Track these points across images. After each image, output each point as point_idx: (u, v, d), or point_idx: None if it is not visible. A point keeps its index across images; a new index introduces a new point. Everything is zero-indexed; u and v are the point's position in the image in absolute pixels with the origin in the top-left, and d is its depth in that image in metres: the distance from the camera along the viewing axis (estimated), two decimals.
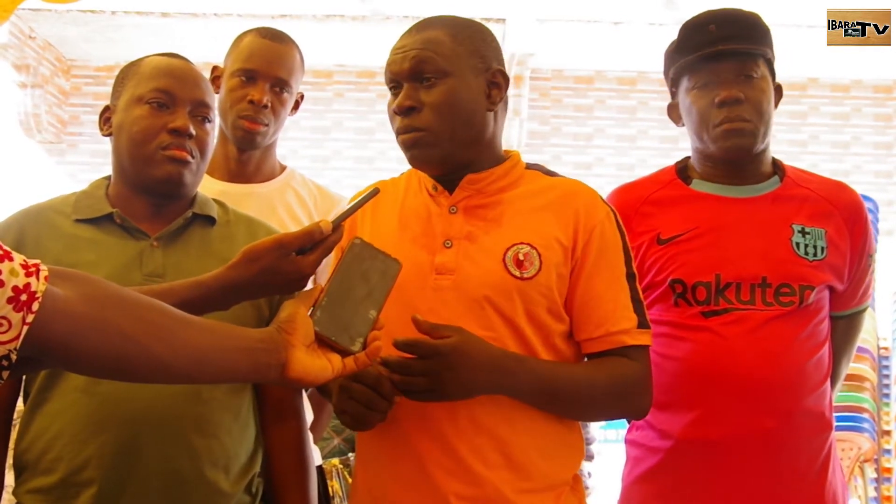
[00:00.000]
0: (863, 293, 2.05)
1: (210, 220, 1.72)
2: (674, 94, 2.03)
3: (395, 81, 1.63)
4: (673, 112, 2.05)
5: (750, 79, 1.91)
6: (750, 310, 1.86)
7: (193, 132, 1.65)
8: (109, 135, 1.71)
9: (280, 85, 2.22)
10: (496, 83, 1.66)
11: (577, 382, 1.59)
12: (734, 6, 1.97)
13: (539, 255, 1.58)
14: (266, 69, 2.20)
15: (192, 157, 1.65)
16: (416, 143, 1.60)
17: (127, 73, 1.72)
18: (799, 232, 1.91)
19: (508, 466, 1.55)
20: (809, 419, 1.88)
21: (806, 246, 1.90)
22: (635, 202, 1.99)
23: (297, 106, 2.35)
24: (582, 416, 1.74)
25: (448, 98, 1.59)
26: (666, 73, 2.04)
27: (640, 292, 1.66)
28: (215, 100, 1.77)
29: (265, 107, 2.18)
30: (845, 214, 1.96)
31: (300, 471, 1.73)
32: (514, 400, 1.55)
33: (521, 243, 1.59)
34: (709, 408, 1.85)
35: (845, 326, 2.06)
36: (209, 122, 1.70)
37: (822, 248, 1.91)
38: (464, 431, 1.54)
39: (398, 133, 1.62)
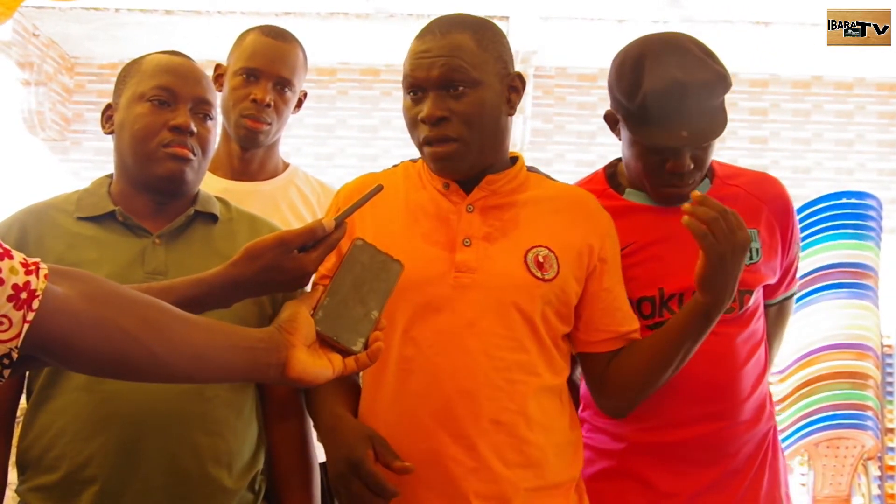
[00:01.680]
0: (790, 280, 2.05)
1: (212, 218, 1.72)
2: (615, 113, 1.88)
3: (420, 88, 1.60)
4: (610, 121, 1.91)
5: (704, 150, 1.83)
6: None
7: (195, 129, 1.65)
8: (111, 132, 1.72)
9: (283, 84, 2.22)
10: (515, 87, 1.67)
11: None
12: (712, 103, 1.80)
13: (556, 259, 1.61)
14: (269, 68, 2.20)
15: (194, 155, 1.66)
16: (449, 156, 1.60)
17: (128, 72, 1.72)
18: None
19: (524, 464, 1.57)
20: (753, 413, 1.91)
21: None
22: None
23: (300, 104, 2.34)
24: (666, 375, 1.72)
25: (478, 108, 1.59)
26: (615, 104, 1.86)
27: None
28: (217, 97, 1.77)
29: (268, 105, 2.18)
30: (773, 208, 1.95)
31: (303, 468, 1.73)
32: (530, 396, 1.58)
33: (540, 246, 1.61)
34: (661, 416, 1.86)
35: (776, 313, 2.07)
36: (211, 119, 1.70)
37: (757, 251, 1.91)
38: (484, 428, 1.55)
39: (426, 143, 1.61)
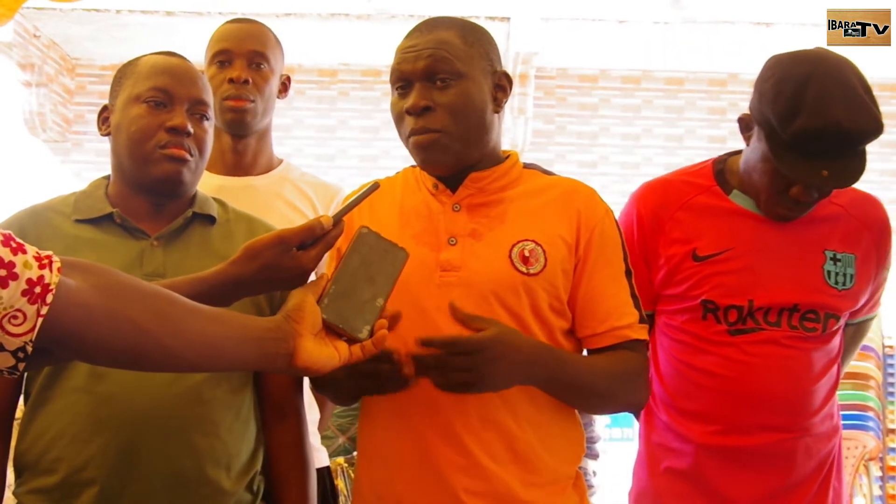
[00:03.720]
0: (874, 303, 2.05)
1: (210, 219, 1.72)
2: (752, 122, 1.86)
3: (406, 81, 1.62)
4: (744, 124, 1.89)
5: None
6: (774, 330, 1.86)
7: (191, 130, 1.65)
8: (108, 134, 1.71)
9: (257, 59, 2.21)
10: (501, 86, 1.67)
11: (596, 372, 1.61)
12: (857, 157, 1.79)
13: (544, 252, 1.60)
14: (239, 46, 2.20)
15: (191, 156, 1.65)
16: (432, 145, 1.59)
17: (124, 73, 1.72)
18: (831, 259, 1.89)
19: (515, 461, 1.57)
20: (821, 427, 1.91)
21: (836, 274, 1.88)
22: (671, 206, 1.94)
23: (285, 88, 2.34)
24: (594, 406, 1.76)
25: (462, 99, 1.59)
26: (760, 117, 1.81)
27: (636, 289, 1.68)
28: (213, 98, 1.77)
29: (246, 82, 2.18)
30: (874, 233, 1.94)
31: (300, 469, 1.73)
32: (520, 392, 1.56)
33: (526, 240, 1.60)
34: (728, 421, 1.87)
35: (853, 332, 2.06)
36: (207, 119, 1.70)
37: (851, 276, 1.89)
38: (472, 426, 1.55)
39: (411, 134, 1.61)
